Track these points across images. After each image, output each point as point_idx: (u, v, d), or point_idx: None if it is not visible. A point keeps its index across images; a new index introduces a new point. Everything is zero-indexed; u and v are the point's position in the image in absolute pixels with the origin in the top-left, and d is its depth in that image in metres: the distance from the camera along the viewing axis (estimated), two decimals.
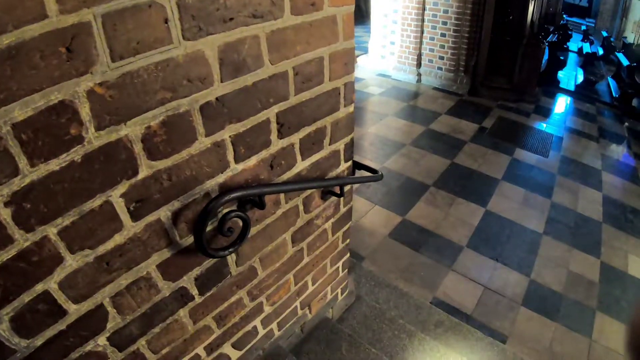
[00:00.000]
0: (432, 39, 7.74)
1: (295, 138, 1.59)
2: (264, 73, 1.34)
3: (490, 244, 4.24)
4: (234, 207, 1.48)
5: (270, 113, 1.43)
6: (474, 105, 7.37)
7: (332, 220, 2.14)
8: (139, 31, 0.97)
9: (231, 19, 1.16)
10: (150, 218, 1.21)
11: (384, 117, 6.61)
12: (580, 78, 10.35)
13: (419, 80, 8.04)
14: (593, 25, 19.78)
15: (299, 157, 1.66)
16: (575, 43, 15.01)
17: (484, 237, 4.32)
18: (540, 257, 4.19)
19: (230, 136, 1.33)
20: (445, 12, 7.40)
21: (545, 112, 7.82)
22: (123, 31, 0.94)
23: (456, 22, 7.39)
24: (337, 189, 1.98)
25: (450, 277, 3.80)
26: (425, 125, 6.42)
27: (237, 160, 1.40)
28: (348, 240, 2.40)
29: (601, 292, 3.95)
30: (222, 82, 1.22)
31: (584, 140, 7.03)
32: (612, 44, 14.50)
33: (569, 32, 14.64)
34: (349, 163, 2.03)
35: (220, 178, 1.36)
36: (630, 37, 14.95)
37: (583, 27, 18.65)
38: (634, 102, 9.13)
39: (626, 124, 8.35)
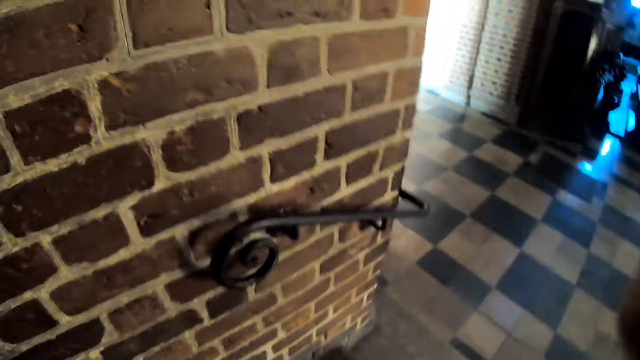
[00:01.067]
0: (486, 62, 7.61)
1: (342, 161, 1.43)
2: (319, 83, 1.16)
3: (520, 288, 4.15)
4: (263, 234, 1.32)
5: (320, 130, 1.26)
6: (521, 137, 7.22)
7: (367, 250, 2.03)
8: (173, 14, 0.80)
9: (289, 13, 0.98)
10: (164, 235, 1.07)
11: (428, 136, 6.53)
12: (632, 123, 10.01)
13: (467, 103, 7.91)
14: None
15: (343, 182, 1.50)
16: (629, 84, 14.54)
17: (514, 280, 4.23)
18: (569, 310, 4.07)
19: (269, 152, 1.16)
20: (504, 36, 7.26)
21: (592, 155, 7.61)
22: (152, 12, 0.77)
23: (514, 47, 7.25)
24: (379, 221, 1.88)
25: (474, 318, 3.72)
26: (469, 150, 6.32)
27: (273, 180, 1.23)
28: (379, 271, 2.30)
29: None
30: (268, 87, 1.05)
31: (629, 190, 6.81)
32: None
33: (624, 73, 14.16)
34: (396, 192, 1.88)
35: (251, 198, 1.20)
36: None
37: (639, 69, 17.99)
38: None
39: None
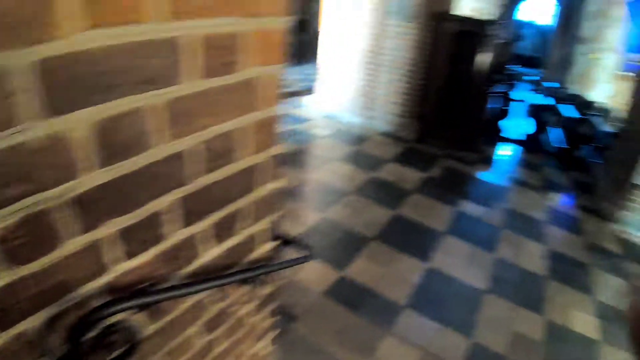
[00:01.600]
0: (384, 83, 7.69)
1: (201, 226, 1.30)
2: (160, 153, 1.05)
3: (431, 303, 4.02)
4: (121, 316, 1.17)
5: (170, 199, 1.15)
6: (421, 154, 7.28)
7: (252, 305, 1.84)
8: None
9: (113, 86, 0.88)
10: (14, 331, 0.92)
11: (328, 161, 6.39)
12: (527, 128, 10.54)
13: (367, 124, 7.93)
14: (542, 76, 20.52)
15: (208, 246, 1.37)
16: (523, 93, 15.49)
17: (425, 296, 4.09)
18: (483, 317, 4.01)
19: (115, 231, 1.04)
20: (401, 57, 7.41)
21: (490, 162, 7.85)
22: None
23: (412, 68, 7.40)
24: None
25: (388, 341, 3.52)
26: (371, 172, 6.23)
27: (126, 257, 1.10)
28: (275, 318, 2.09)
29: (546, 352, 3.82)
30: (101, 168, 0.93)
31: (529, 191, 7.03)
32: (558, 95, 14.99)
33: (514, 83, 15.12)
34: (275, 243, 1.75)
35: (104, 279, 1.07)
36: (573, 89, 15.50)
37: (533, 78, 19.43)
38: (578, 153, 9.33)
39: (570, 173, 8.48)
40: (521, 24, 23.93)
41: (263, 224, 1.62)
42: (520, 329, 3.99)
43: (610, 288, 5.30)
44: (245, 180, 1.42)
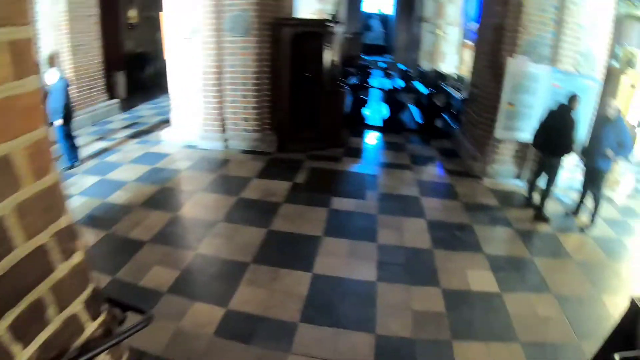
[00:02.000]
0: (233, 101, 7.47)
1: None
2: None
3: (326, 310, 3.85)
4: None
5: None
6: (284, 163, 7.14)
7: None
8: None
9: None
10: None
11: (192, 194, 5.99)
12: (385, 113, 10.83)
13: (226, 146, 7.62)
14: (392, 60, 21.42)
15: (16, 348, 1.14)
16: (378, 80, 15.97)
17: (318, 306, 3.90)
18: (380, 308, 3.92)
19: None
20: (244, 72, 7.25)
21: (355, 154, 7.90)
22: None
23: (256, 81, 7.27)
24: None
25: None
26: (236, 194, 5.93)
27: None
28: None
29: (452, 321, 3.81)
30: None
31: (399, 171, 7.16)
32: (410, 74, 15.69)
33: (368, 71, 15.58)
34: (101, 318, 1.52)
35: None
36: (426, 65, 16.34)
37: (383, 64, 20.12)
38: (437, 123, 9.73)
39: (433, 144, 8.80)
40: (368, 16, 25.09)
41: (80, 302, 1.43)
42: (421, 307, 3.95)
43: (495, 239, 5.49)
44: (35, 266, 1.22)
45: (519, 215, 6.24)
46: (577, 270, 5.03)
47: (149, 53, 12.38)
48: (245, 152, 7.50)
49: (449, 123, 9.83)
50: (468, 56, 14.57)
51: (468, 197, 6.51)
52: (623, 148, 5.76)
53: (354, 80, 11.90)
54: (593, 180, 6.08)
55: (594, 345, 3.37)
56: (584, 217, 6.26)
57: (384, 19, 25.55)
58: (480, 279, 4.49)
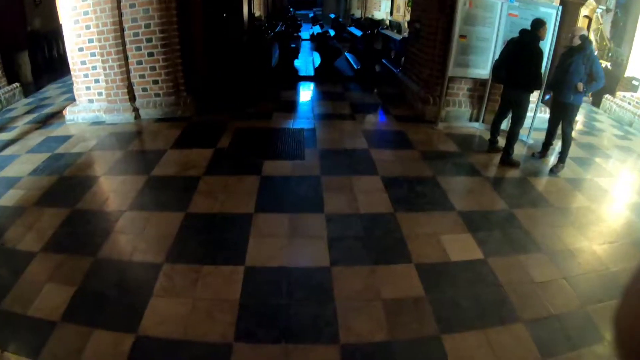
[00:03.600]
0: (139, 62, 6.17)
1: None
2: None
3: (267, 319, 2.81)
4: None
5: None
6: (205, 126, 5.93)
7: None
8: None
9: None
10: None
11: (95, 180, 4.67)
12: (318, 61, 9.81)
13: (137, 117, 6.33)
14: (321, 12, 20.75)
15: None
16: (309, 31, 15.04)
17: (255, 314, 2.86)
18: (341, 303, 2.93)
19: None
20: (147, 26, 5.95)
21: (288, 108, 6.79)
22: None
23: (162, 35, 6.01)
24: None
25: None
26: (147, 173, 4.70)
27: None
28: None
29: (435, 307, 2.91)
30: None
31: (339, 122, 6.16)
32: (342, 23, 14.90)
33: (298, 23, 14.66)
34: None
35: None
36: (357, 13, 15.81)
37: (311, 15, 19.43)
38: (377, 68, 8.83)
39: (375, 90, 7.91)
40: None
41: None
42: (392, 293, 3.03)
43: (464, 192, 4.71)
44: None
45: (484, 161, 5.51)
46: (561, 219, 4.38)
47: (57, 30, 10.60)
48: (160, 120, 6.23)
49: (389, 67, 8.90)
50: (402, 2, 14.10)
51: (424, 145, 5.64)
52: (595, 80, 5.12)
53: (284, 33, 10.82)
54: (563, 116, 5.44)
55: (602, 310, 3.06)
56: (552, 158, 5.71)
57: None
58: (458, 245, 3.64)
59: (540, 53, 5.05)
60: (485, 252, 3.55)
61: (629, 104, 8.61)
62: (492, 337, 2.74)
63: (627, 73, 8.83)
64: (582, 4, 6.58)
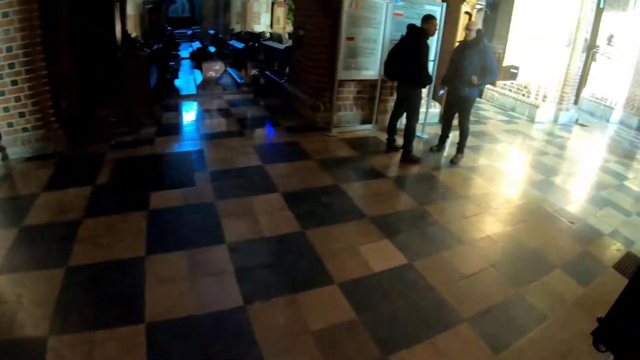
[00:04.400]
0: (2, 93, 5.07)
1: None
2: None
3: None
4: None
5: None
6: (81, 161, 5.13)
7: None
8: None
9: None
10: None
11: None
12: (199, 79, 9.32)
13: (4, 157, 5.33)
14: (200, 29, 20.58)
15: None
16: (188, 50, 14.52)
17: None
18: (265, 345, 2.48)
19: None
20: (9, 50, 4.93)
21: (171, 130, 6.19)
22: None
23: (26, 58, 4.97)
24: None
25: None
26: (17, 224, 3.87)
27: None
28: None
29: (371, 329, 2.62)
30: None
31: (228, 141, 5.73)
32: (221, 38, 14.57)
33: (177, 41, 14.12)
34: None
35: None
36: (237, 28, 15.64)
37: (190, 32, 19.13)
38: (261, 81, 8.52)
39: (262, 103, 7.60)
40: None
41: None
42: (321, 323, 2.66)
43: (372, 196, 4.54)
44: None
45: (385, 162, 5.43)
46: (475, 208, 4.40)
47: None
48: (30, 159, 5.32)
49: (274, 78, 8.61)
50: (281, 14, 14.17)
51: (320, 153, 5.40)
52: (489, 73, 5.24)
53: (162, 53, 10.22)
54: (460, 110, 5.53)
55: (535, 289, 3.15)
56: (447, 150, 5.88)
57: None
58: (378, 253, 3.40)
59: (426, 48, 5.03)
60: (409, 256, 3.36)
61: (510, 90, 9.36)
62: (440, 346, 2.53)
63: (505, 62, 9.55)
64: (463, 1, 6.74)
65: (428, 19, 5.05)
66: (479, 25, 5.58)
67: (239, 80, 8.96)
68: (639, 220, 4.74)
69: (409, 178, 5.06)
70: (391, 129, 5.64)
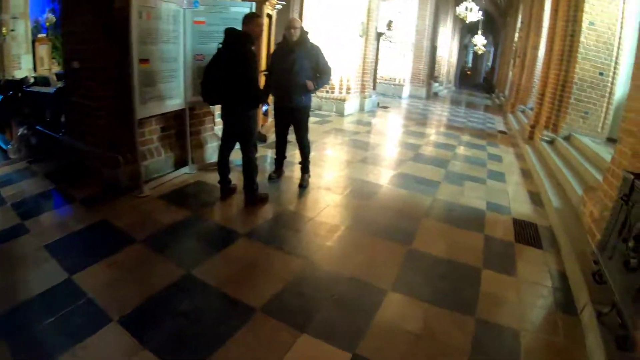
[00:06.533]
0: None
1: None
2: None
3: None
4: None
5: None
6: None
7: None
8: None
9: None
10: None
11: None
12: (20, 133, 6.86)
13: None
14: None
15: None
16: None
17: None
18: None
19: None
20: None
21: None
22: None
23: None
24: None
25: None
26: None
27: None
28: None
29: None
30: None
31: (6, 248, 3.46)
32: None
33: None
34: None
35: None
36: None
37: None
38: (32, 140, 6.33)
39: (38, 171, 5.29)
40: None
41: None
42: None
43: (244, 271, 3.12)
44: None
45: (229, 212, 4.29)
46: (347, 234, 3.83)
47: None
48: None
49: (48, 133, 6.39)
50: (45, 52, 12.18)
51: (142, 228, 3.69)
52: (324, 73, 4.54)
53: None
54: (295, 123, 4.70)
55: None
56: (292, 172, 5.21)
57: None
58: None
59: (254, 56, 3.94)
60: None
61: None
62: None
63: None
64: (265, 2, 5.90)
65: (250, 18, 4.03)
66: (302, 22, 4.73)
67: (3, 147, 6.59)
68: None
69: (266, 225, 3.90)
70: (224, 168, 4.33)
